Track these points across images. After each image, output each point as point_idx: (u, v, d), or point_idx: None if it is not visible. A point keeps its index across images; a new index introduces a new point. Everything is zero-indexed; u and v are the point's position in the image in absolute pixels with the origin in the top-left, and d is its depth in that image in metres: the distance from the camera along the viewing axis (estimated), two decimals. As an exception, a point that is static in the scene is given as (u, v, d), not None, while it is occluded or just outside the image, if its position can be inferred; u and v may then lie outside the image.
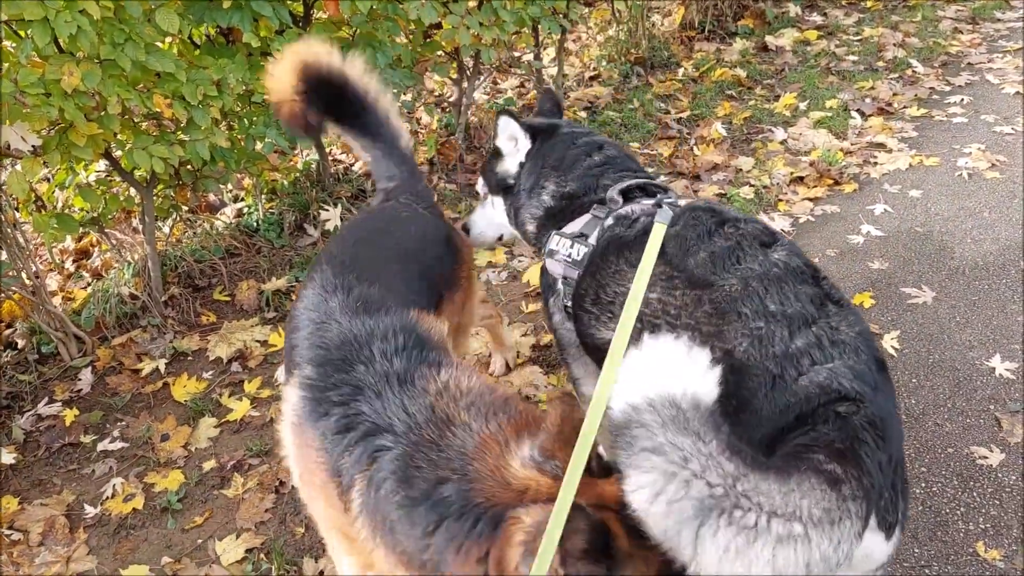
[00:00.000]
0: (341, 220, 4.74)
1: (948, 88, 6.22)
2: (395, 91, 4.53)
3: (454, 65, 5.35)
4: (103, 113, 3.26)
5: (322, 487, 1.86)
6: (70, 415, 3.56)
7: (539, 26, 5.56)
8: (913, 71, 6.52)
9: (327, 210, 4.77)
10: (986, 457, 2.97)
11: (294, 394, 1.96)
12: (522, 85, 6.76)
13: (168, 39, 3.73)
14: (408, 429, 1.73)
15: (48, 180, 4.21)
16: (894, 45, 7.01)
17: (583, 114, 6.09)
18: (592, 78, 6.79)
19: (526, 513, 1.50)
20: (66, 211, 4.00)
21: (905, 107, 5.94)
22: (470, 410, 1.75)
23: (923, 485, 2.89)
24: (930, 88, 6.22)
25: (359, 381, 1.85)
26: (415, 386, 1.82)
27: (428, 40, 4.91)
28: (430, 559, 1.61)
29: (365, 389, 1.83)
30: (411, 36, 4.77)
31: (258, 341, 3.94)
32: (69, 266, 4.60)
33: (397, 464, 1.69)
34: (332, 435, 1.81)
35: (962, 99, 5.96)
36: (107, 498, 3.17)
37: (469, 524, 1.55)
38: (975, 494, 2.84)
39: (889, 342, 3.58)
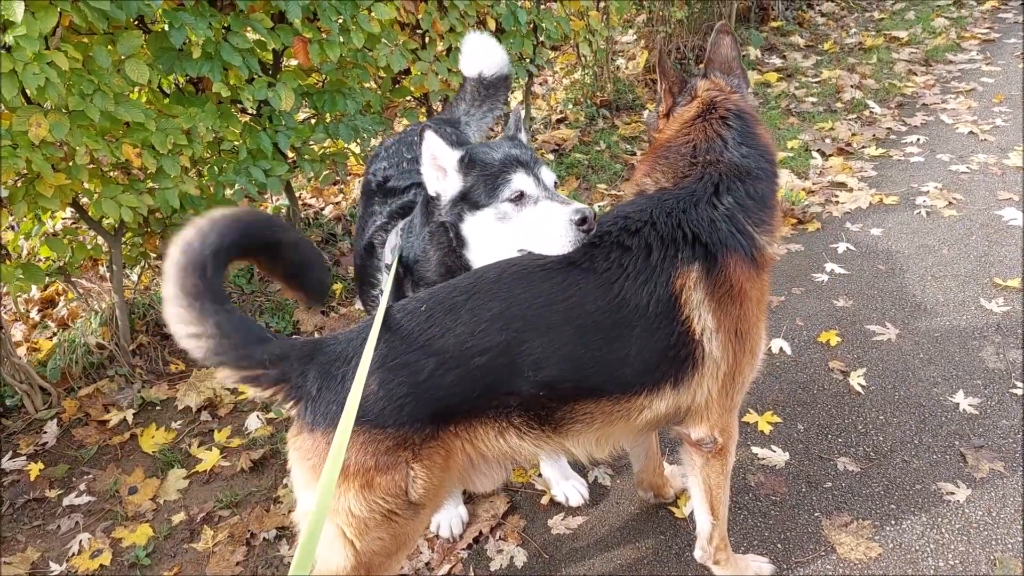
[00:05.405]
0: (311, 265, 4.73)
1: (904, 128, 6.41)
2: (365, 136, 4.59)
3: (423, 110, 5.41)
4: (71, 163, 3.25)
5: None
6: (35, 469, 3.49)
7: (507, 71, 5.64)
8: (871, 112, 6.71)
9: (297, 255, 4.76)
10: (953, 493, 3.02)
11: None
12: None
13: (137, 88, 3.74)
14: None
15: (13, 229, 4.17)
16: (851, 87, 7.22)
17: (551, 156, 6.18)
18: (559, 121, 6.89)
19: None
20: (32, 261, 3.96)
21: (864, 147, 6.10)
22: None
23: (893, 523, 2.92)
24: (887, 128, 6.40)
25: None
26: None
27: (397, 86, 4.97)
28: None
29: None
30: (380, 82, 4.83)
31: (228, 389, 3.90)
32: (34, 316, 4.54)
33: None
34: None
35: (918, 139, 6.14)
36: (73, 555, 3.09)
37: None
38: (943, 531, 2.87)
39: (856, 379, 3.64)
